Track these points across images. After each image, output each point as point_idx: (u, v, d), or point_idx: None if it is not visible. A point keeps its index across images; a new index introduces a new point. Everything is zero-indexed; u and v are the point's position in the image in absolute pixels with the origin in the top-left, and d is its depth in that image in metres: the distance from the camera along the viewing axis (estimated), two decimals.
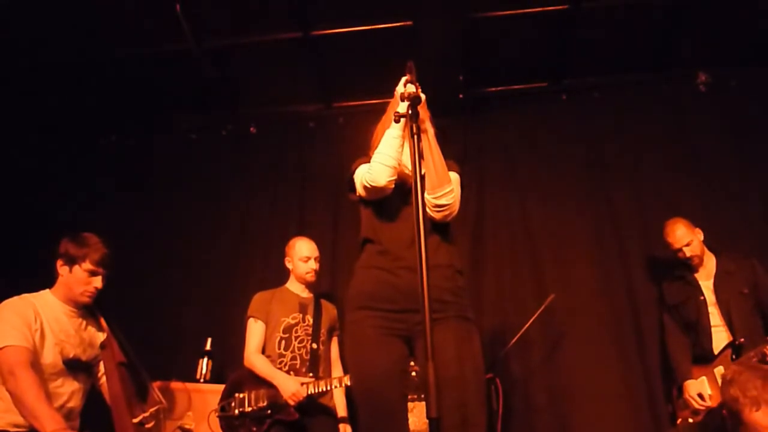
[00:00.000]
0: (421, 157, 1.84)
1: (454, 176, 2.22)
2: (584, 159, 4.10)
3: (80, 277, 2.57)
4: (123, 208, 4.33)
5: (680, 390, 3.21)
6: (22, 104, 4.19)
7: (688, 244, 3.31)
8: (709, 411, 3.00)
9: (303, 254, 3.37)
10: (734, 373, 2.18)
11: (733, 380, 2.14)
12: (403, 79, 2.01)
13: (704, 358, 3.17)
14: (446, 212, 2.15)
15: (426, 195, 2.12)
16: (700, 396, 3.06)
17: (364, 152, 2.33)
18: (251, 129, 4.51)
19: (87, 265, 2.57)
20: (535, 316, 3.37)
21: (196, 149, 4.51)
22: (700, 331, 3.24)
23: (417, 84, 1.94)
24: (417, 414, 3.11)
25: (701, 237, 3.36)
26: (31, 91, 4.10)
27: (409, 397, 3.04)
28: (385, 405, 2.04)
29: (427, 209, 2.13)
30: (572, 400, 3.58)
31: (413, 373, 3.05)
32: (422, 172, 2.07)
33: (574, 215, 3.98)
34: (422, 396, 3.10)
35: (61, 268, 2.59)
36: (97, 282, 2.60)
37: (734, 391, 2.13)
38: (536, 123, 4.23)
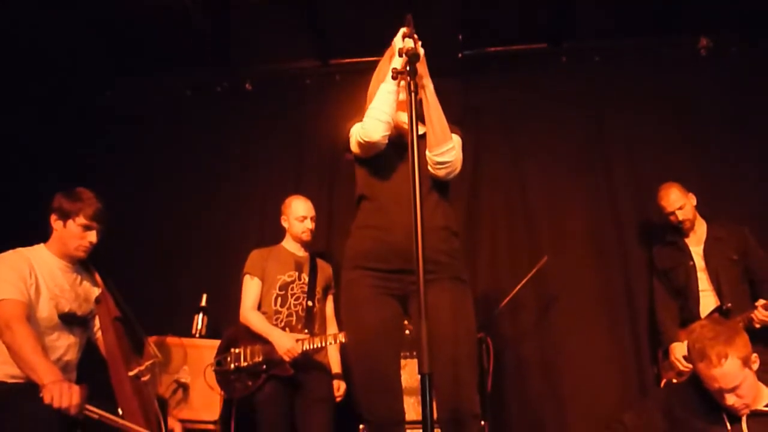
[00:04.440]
0: (419, 115, 1.81)
1: (456, 138, 2.20)
2: (582, 122, 4.08)
3: (74, 232, 2.56)
4: (118, 165, 4.31)
5: (666, 352, 3.27)
6: (14, 63, 4.10)
7: (680, 208, 3.33)
8: (694, 373, 3.06)
9: (299, 213, 3.37)
10: (697, 325, 2.26)
11: (692, 331, 2.22)
12: (401, 31, 1.97)
13: (691, 321, 3.21)
14: (449, 169, 2.14)
15: (427, 152, 2.11)
16: (685, 358, 3.12)
17: (360, 110, 2.31)
18: (247, 86, 4.44)
19: (81, 219, 2.55)
20: (528, 277, 3.40)
21: (192, 106, 4.45)
22: (688, 295, 3.29)
23: (416, 38, 1.90)
24: (409, 371, 3.17)
25: (694, 202, 3.37)
26: (24, 49, 4.00)
27: (402, 354, 3.08)
28: (378, 362, 2.07)
29: (429, 167, 2.13)
30: (562, 360, 3.65)
31: (407, 332, 3.10)
32: (421, 132, 2.05)
33: (570, 178, 3.98)
34: (414, 354, 3.16)
35: (55, 223, 2.58)
36: (92, 237, 2.59)
37: (689, 342, 2.22)
38: (535, 85, 4.18)
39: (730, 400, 2.08)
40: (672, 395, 2.41)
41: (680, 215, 3.33)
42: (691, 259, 3.33)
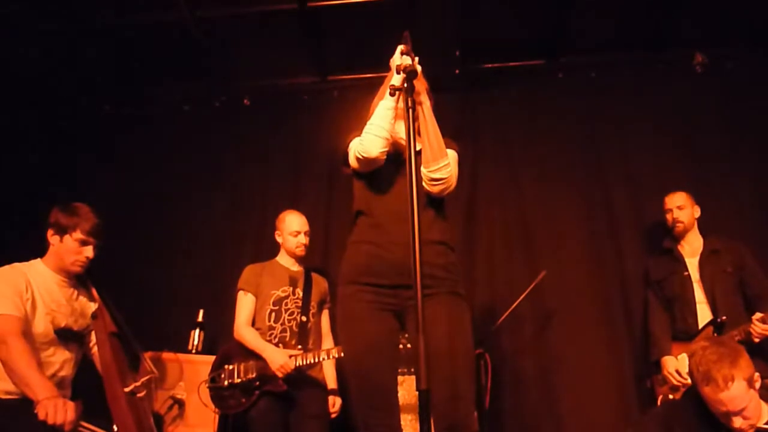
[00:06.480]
0: (416, 132, 1.83)
1: (452, 153, 2.21)
2: (579, 137, 4.09)
3: (71, 247, 2.55)
4: (115, 178, 4.31)
5: (658, 364, 3.25)
6: (13, 74, 4.12)
7: (680, 208, 3.35)
8: (689, 389, 3.04)
9: (293, 228, 3.36)
10: (698, 347, 2.20)
11: (694, 353, 2.17)
12: (399, 48, 1.99)
13: (687, 333, 3.20)
14: (443, 186, 2.15)
15: (422, 168, 2.12)
16: (678, 373, 3.10)
17: (358, 126, 2.32)
18: (245, 101, 4.47)
19: (78, 234, 2.55)
20: (526, 292, 3.40)
21: (189, 120, 4.47)
22: (684, 305, 3.27)
23: (413, 55, 1.92)
24: (406, 388, 3.16)
25: (697, 214, 3.39)
26: (23, 61, 4.03)
27: (399, 370, 3.07)
28: (375, 378, 2.07)
29: (424, 183, 2.13)
30: (560, 375, 3.63)
31: (402, 347, 3.08)
32: (418, 148, 2.07)
33: (567, 193, 3.99)
34: (412, 370, 3.14)
35: (52, 238, 2.57)
36: (88, 252, 2.58)
37: (691, 364, 2.17)
38: (532, 100, 4.21)
39: (737, 422, 2.04)
40: (671, 413, 2.38)
41: (676, 213, 3.35)
42: (686, 269, 3.33)
